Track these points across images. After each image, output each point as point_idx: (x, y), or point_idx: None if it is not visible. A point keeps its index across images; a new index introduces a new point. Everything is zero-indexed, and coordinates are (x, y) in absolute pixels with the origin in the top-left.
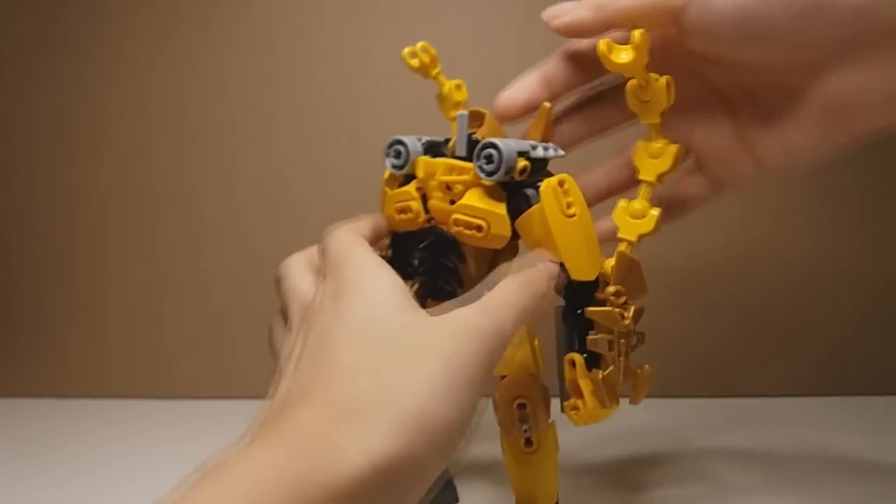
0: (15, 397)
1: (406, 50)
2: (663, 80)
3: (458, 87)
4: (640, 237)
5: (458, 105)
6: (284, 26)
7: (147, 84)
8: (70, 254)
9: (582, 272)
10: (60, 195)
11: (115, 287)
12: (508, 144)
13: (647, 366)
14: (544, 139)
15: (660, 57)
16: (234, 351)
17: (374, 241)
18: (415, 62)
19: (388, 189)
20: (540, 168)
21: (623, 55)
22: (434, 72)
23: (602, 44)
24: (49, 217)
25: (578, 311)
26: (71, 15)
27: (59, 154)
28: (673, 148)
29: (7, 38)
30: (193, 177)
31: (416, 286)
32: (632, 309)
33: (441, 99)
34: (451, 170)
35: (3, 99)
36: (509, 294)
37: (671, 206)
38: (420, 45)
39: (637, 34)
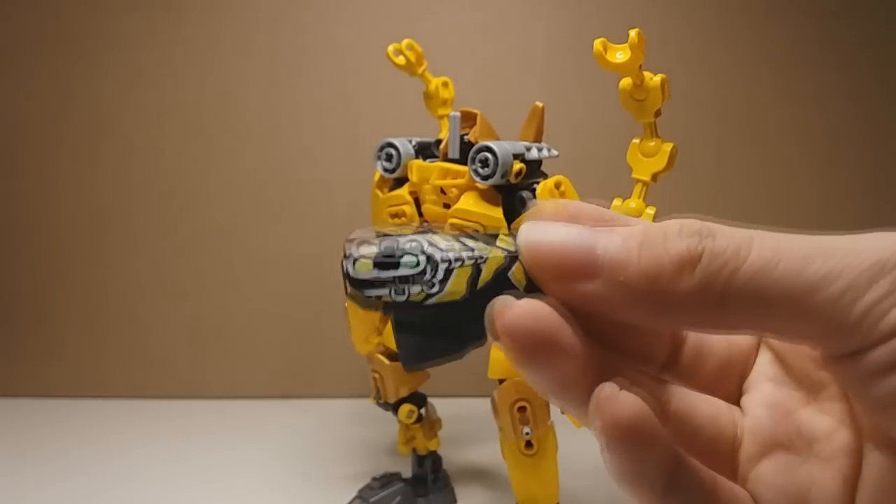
0: (15, 397)
1: (391, 47)
2: (658, 78)
3: (444, 84)
4: None
5: (445, 103)
6: (284, 26)
7: (146, 84)
8: (70, 254)
9: None
10: (60, 195)
11: (114, 287)
12: (503, 147)
13: None
14: (537, 139)
15: None
16: (234, 351)
17: None
18: (400, 60)
19: (378, 192)
20: (534, 169)
21: (619, 55)
22: (420, 69)
23: (598, 43)
24: (49, 217)
25: None
26: (71, 14)
27: (59, 154)
28: (667, 146)
29: (7, 37)
30: (193, 177)
31: None
32: None
33: (428, 97)
34: (446, 174)
35: (2, 98)
36: None
37: None
38: (405, 42)
39: (634, 33)
